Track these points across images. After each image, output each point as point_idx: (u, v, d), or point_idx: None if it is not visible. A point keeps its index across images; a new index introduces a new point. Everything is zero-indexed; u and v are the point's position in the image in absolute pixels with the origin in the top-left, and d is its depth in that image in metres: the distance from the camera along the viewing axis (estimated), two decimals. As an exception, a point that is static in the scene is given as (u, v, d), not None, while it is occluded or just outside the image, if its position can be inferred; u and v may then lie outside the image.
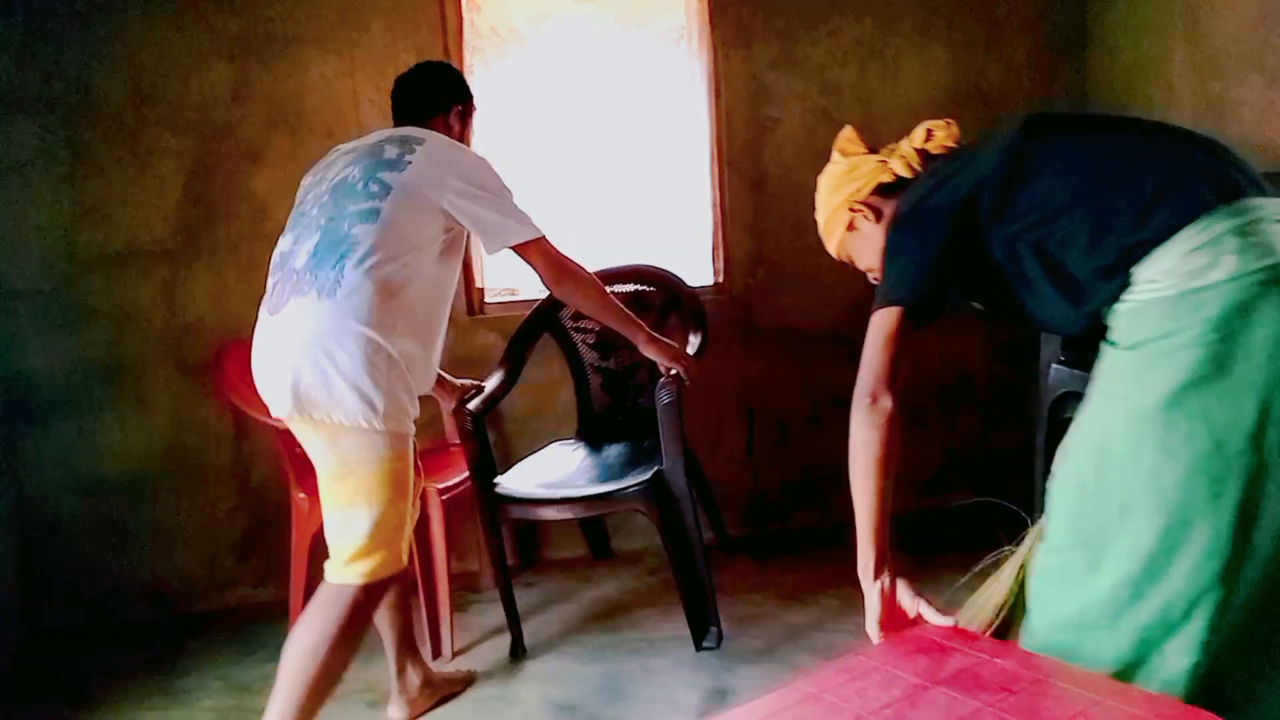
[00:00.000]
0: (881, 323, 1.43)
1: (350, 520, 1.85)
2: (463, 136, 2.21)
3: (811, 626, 2.65)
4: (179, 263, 2.98)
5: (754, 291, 3.35)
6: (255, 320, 1.93)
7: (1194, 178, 1.28)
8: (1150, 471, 1.23)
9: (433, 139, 2.02)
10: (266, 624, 2.84)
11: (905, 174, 1.57)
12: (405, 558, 1.93)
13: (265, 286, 1.94)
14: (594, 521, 3.23)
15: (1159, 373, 1.23)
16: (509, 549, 2.54)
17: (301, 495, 2.60)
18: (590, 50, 3.25)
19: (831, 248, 1.71)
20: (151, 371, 2.98)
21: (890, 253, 1.49)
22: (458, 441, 3.01)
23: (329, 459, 1.85)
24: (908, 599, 1.41)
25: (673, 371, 2.41)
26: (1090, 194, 1.34)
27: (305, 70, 3.00)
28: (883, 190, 1.59)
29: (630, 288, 3.06)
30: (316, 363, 1.78)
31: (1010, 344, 3.46)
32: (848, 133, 1.67)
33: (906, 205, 1.51)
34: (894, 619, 1.41)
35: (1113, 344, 1.31)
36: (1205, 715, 1.15)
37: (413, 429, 1.91)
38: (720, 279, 3.35)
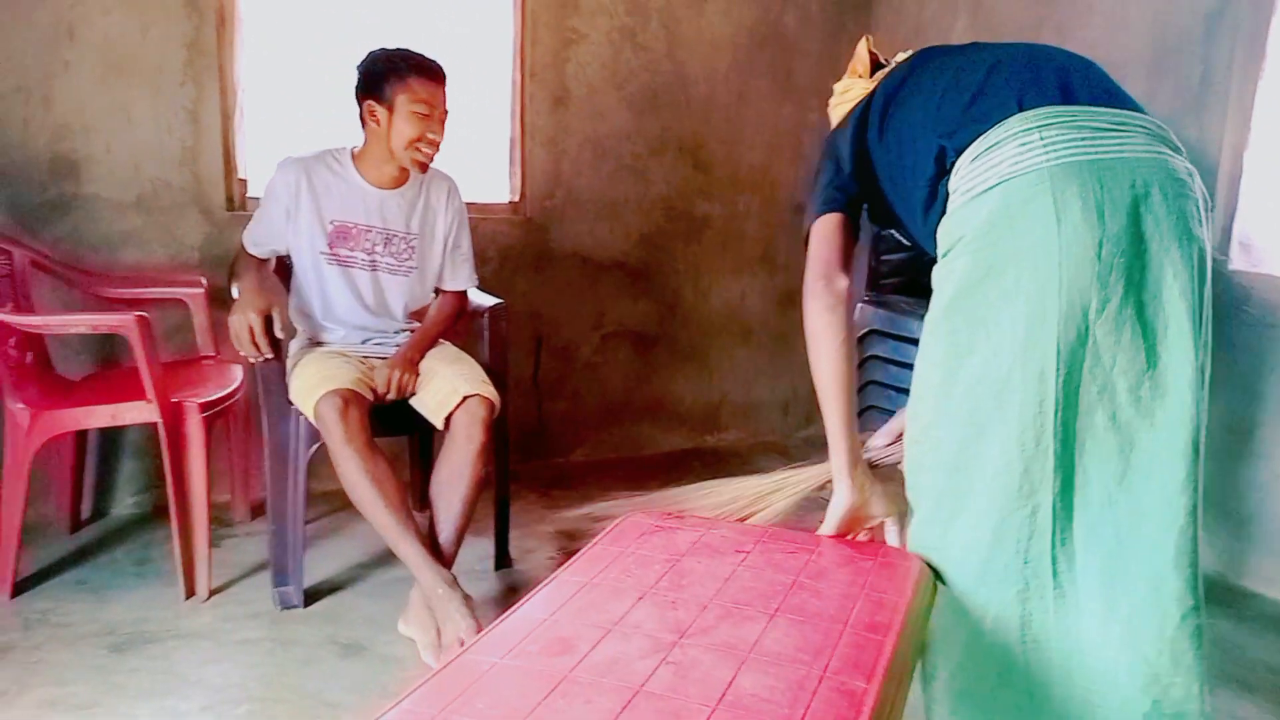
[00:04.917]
0: (822, 227, 1.41)
1: None
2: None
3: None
4: None
5: (550, 214, 3.18)
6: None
7: (1007, 86, 1.23)
8: (938, 384, 1.24)
9: None
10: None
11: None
12: (319, 409, 2.09)
13: None
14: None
15: (941, 284, 1.24)
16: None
17: (20, 406, 2.13)
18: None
19: None
20: None
21: (817, 168, 1.47)
22: (210, 354, 2.64)
23: None
24: (879, 507, 1.36)
25: None
26: (934, 106, 1.30)
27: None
28: None
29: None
30: None
31: (789, 290, 3.57)
32: (860, 48, 1.54)
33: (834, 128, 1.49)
34: (851, 523, 1.36)
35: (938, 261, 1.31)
36: (910, 555, 1.26)
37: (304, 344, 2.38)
38: (516, 198, 3.16)
